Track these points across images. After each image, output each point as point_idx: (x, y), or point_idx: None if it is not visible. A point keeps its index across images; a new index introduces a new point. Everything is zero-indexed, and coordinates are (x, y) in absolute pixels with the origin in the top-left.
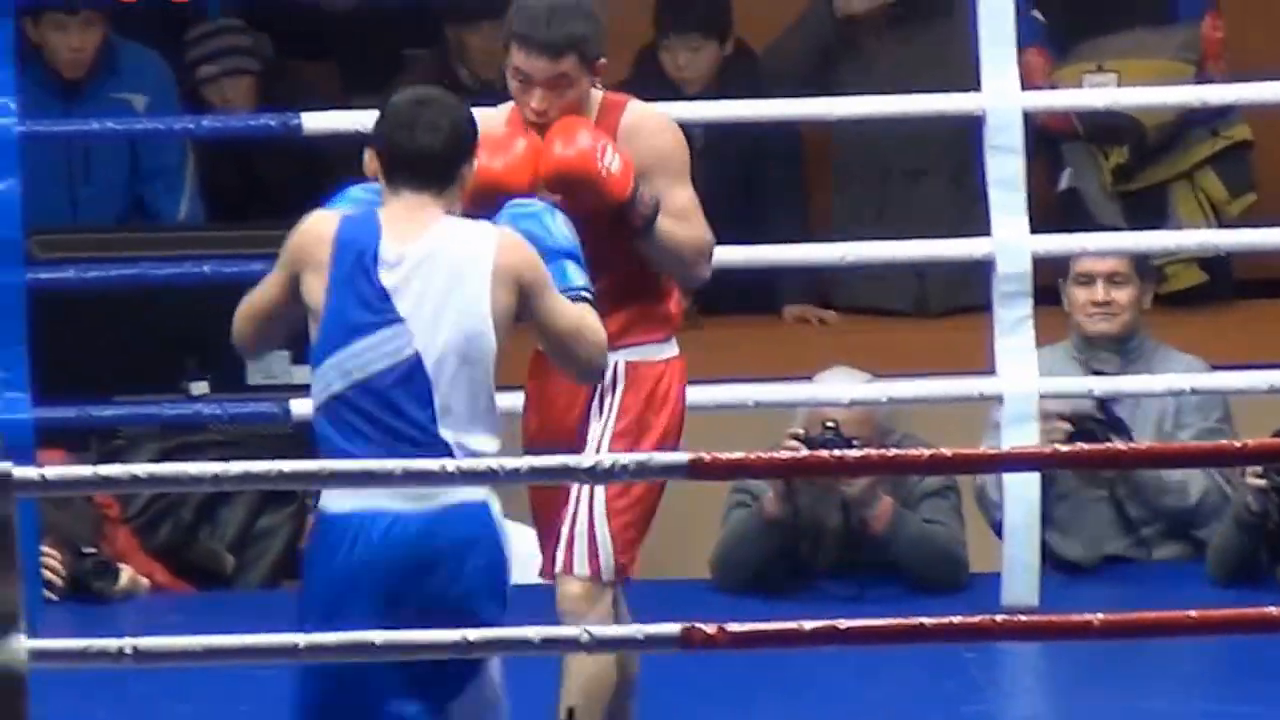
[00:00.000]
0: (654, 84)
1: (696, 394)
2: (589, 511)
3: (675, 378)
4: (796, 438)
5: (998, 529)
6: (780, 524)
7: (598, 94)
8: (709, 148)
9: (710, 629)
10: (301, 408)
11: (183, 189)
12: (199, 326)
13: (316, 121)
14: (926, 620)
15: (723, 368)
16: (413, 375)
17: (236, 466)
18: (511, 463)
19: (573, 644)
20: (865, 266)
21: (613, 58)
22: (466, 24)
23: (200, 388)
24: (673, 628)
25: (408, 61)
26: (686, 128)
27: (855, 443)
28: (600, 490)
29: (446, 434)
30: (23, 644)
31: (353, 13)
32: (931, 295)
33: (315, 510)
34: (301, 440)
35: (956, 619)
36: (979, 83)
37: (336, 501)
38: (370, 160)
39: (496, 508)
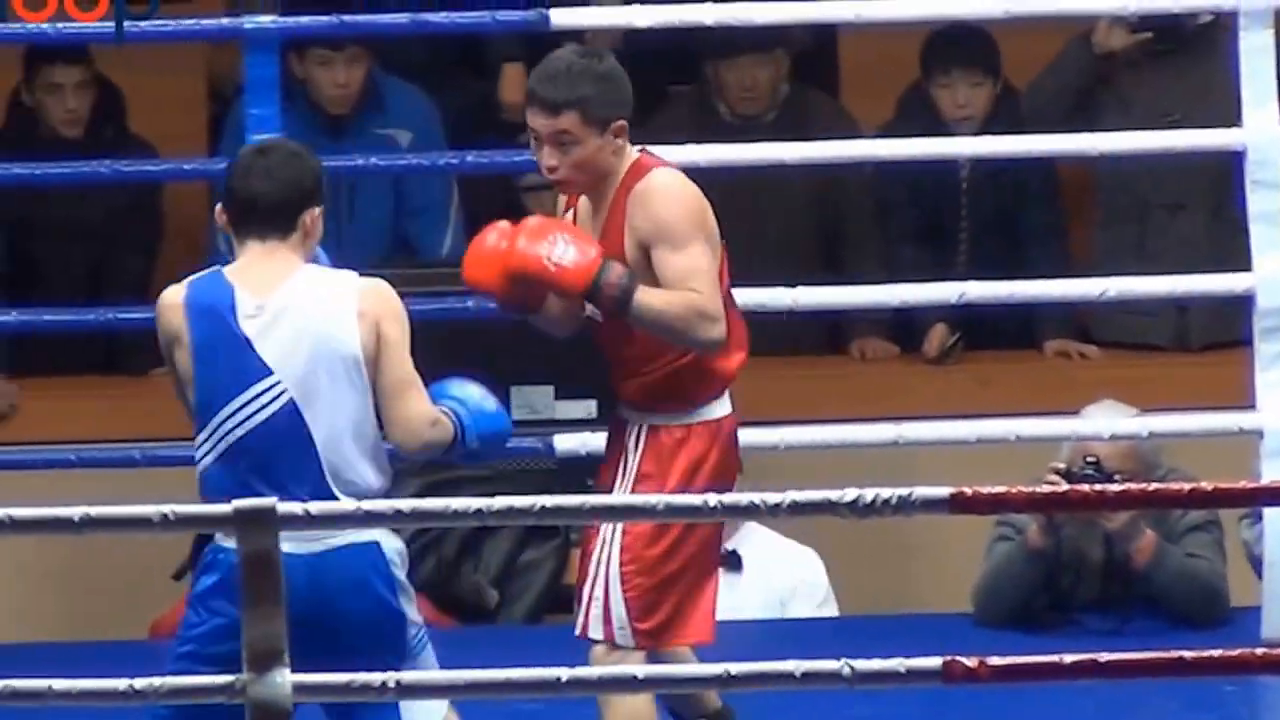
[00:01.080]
0: (919, 123)
1: (958, 428)
2: (605, 576)
3: (705, 439)
4: (1057, 472)
5: (1256, 565)
6: (1043, 556)
7: (633, 154)
8: (972, 185)
9: (971, 662)
10: (565, 443)
11: (447, 225)
12: (463, 362)
13: None
14: (1186, 654)
15: (984, 403)
16: (292, 424)
17: (500, 501)
18: (773, 498)
19: (834, 677)
20: (1125, 301)
21: (876, 99)
22: (724, 59)
23: None
24: (934, 661)
25: (669, 98)
26: (953, 165)
27: (1117, 477)
28: (615, 555)
29: (330, 478)
30: (287, 678)
31: (616, 51)
32: (1192, 330)
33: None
34: (565, 475)
35: (1216, 652)
36: (1239, 117)
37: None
38: (219, 215)
39: (390, 547)
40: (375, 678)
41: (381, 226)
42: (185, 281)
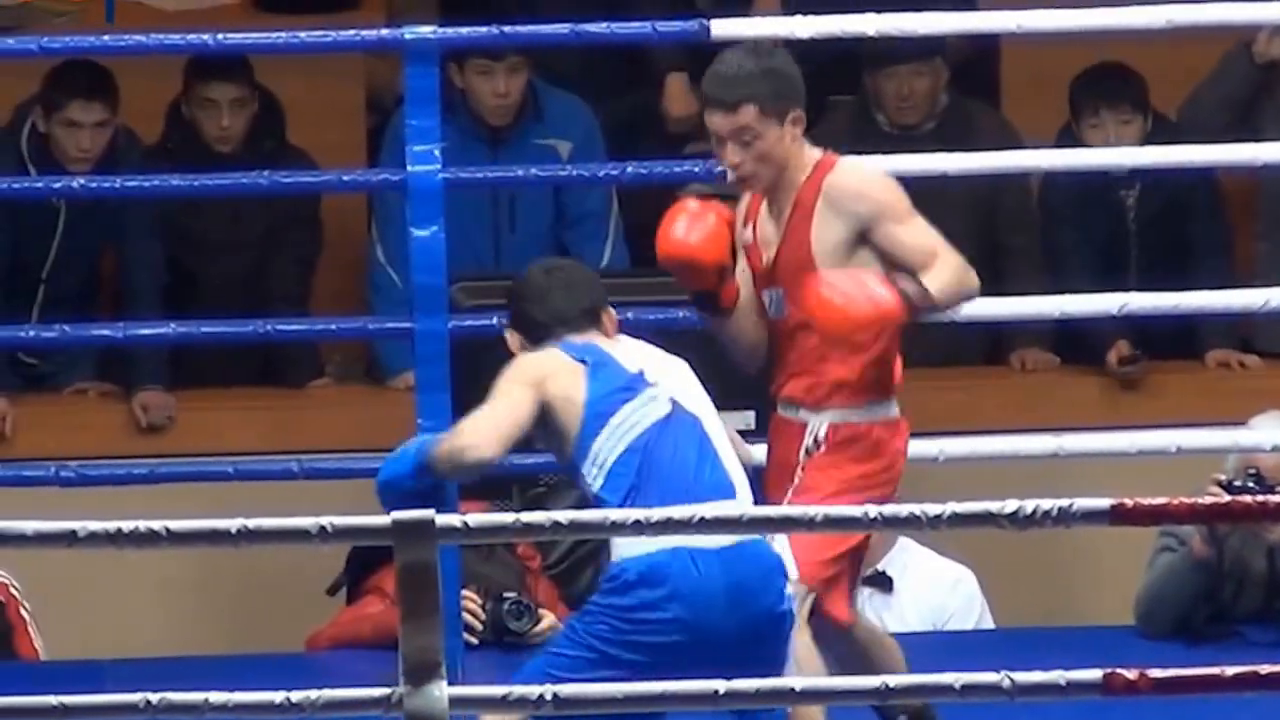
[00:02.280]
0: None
1: (1119, 439)
2: None
3: (882, 438)
4: (1219, 483)
5: None
6: (1206, 567)
7: (814, 153)
8: (1140, 198)
9: (1132, 674)
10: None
11: (607, 236)
12: None
13: None
14: None
15: (1146, 413)
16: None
17: (659, 512)
18: (933, 510)
19: (994, 690)
20: None
21: (1037, 110)
22: (883, 69)
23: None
24: (1094, 674)
25: (829, 108)
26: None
27: (1279, 489)
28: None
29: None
30: (444, 690)
31: None
32: None
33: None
34: None
35: None
36: None
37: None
38: (511, 339)
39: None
40: (533, 690)
41: (541, 237)
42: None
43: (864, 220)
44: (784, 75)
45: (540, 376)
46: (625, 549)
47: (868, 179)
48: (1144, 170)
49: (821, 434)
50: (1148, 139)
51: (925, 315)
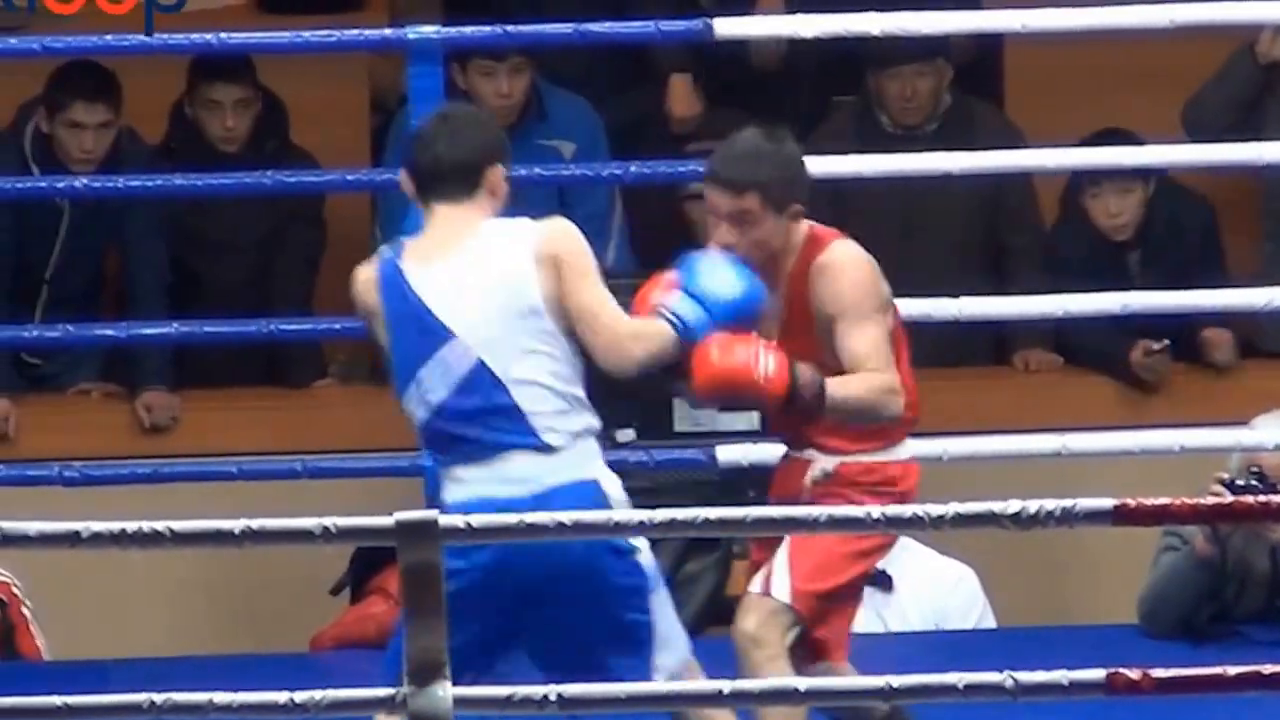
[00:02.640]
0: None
1: (1122, 439)
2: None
3: (894, 476)
4: (1221, 482)
5: None
6: (1209, 566)
7: (802, 229)
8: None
9: (1134, 674)
10: (728, 454)
11: (610, 236)
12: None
13: None
14: None
15: (1148, 413)
16: (483, 380)
17: (662, 513)
18: (936, 510)
19: (997, 689)
20: None
21: (1040, 110)
22: (886, 69)
23: (627, 435)
24: (1097, 673)
25: (832, 107)
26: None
27: None
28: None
29: (538, 423)
30: (448, 691)
31: (780, 62)
32: None
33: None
34: (728, 487)
35: None
36: None
37: (453, 493)
38: (404, 183)
39: (608, 486)
40: (537, 690)
41: None
42: (377, 256)
43: (829, 311)
44: (793, 168)
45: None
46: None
47: (846, 274)
48: (1147, 234)
49: (830, 467)
50: (1152, 201)
51: (815, 410)
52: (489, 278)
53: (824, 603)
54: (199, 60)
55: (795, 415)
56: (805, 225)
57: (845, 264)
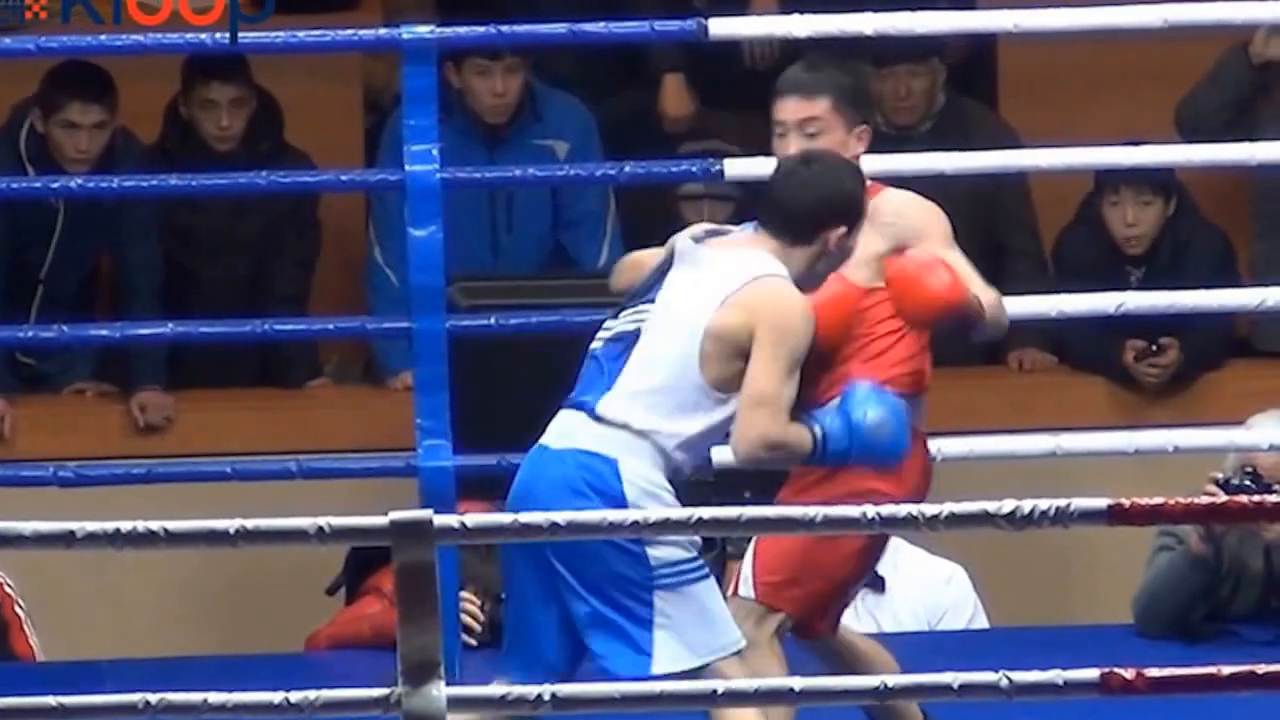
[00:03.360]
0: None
1: (1116, 439)
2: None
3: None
4: (1215, 482)
5: None
6: (1203, 565)
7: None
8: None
9: (1129, 674)
10: (723, 455)
11: (604, 236)
12: None
13: (737, 168)
14: None
15: (1143, 413)
16: (629, 345)
17: (657, 512)
18: (930, 510)
19: (992, 689)
20: None
21: (1034, 109)
22: (880, 69)
23: None
24: (1091, 673)
25: None
26: None
27: (1276, 487)
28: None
29: (607, 406)
30: (442, 690)
31: (776, 63)
32: None
33: None
34: (723, 487)
35: None
36: None
37: None
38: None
39: (629, 470)
40: (531, 690)
41: (540, 237)
42: None
43: (912, 241)
44: (863, 89)
45: None
46: None
47: (912, 202)
48: (1157, 251)
49: None
50: (1171, 220)
51: (972, 327)
52: (697, 280)
53: (788, 588)
54: (193, 60)
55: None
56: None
57: (912, 198)
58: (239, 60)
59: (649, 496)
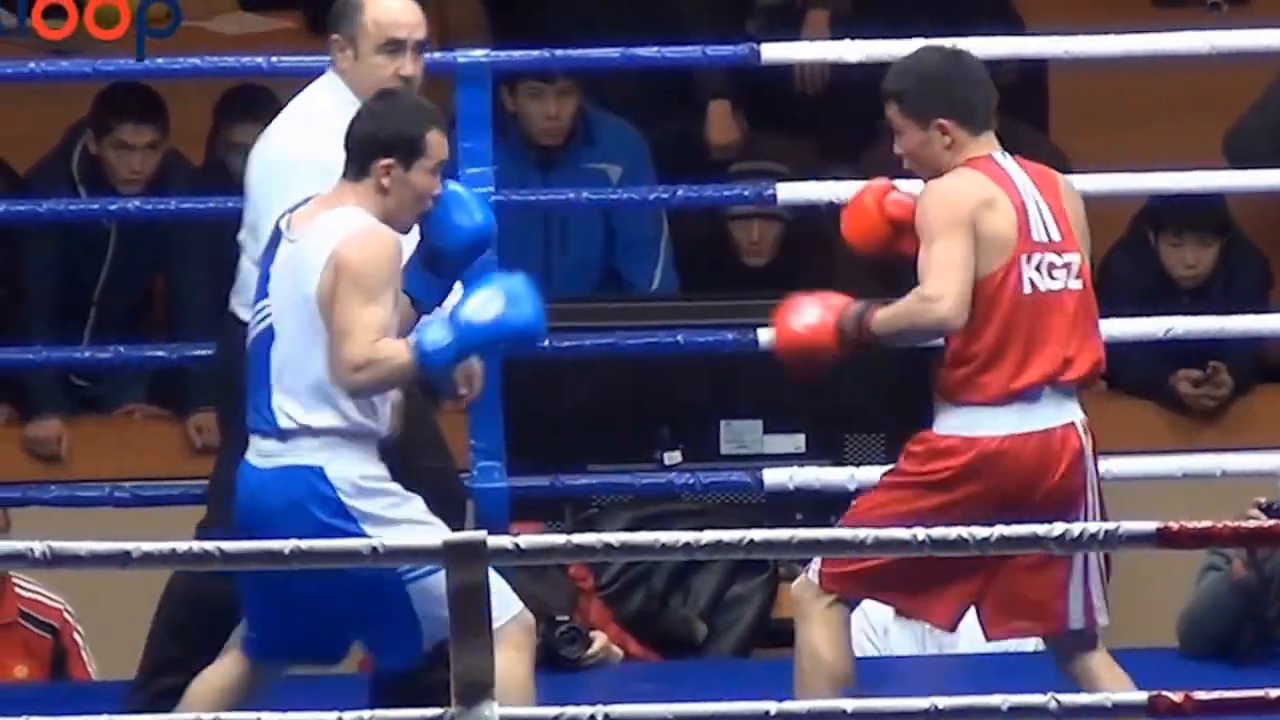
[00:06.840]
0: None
1: (1164, 463)
2: None
3: (951, 447)
4: (1259, 506)
5: None
6: (1245, 589)
7: (961, 154)
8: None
9: (1177, 696)
10: (774, 477)
11: (657, 259)
12: (672, 397)
13: (791, 192)
14: None
15: (1194, 437)
16: (265, 346)
17: (709, 535)
18: (981, 533)
19: (1040, 711)
20: None
21: (1085, 135)
22: None
23: (673, 457)
24: (1139, 695)
25: (879, 132)
26: None
27: None
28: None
29: (277, 401)
30: (495, 711)
31: (828, 89)
32: None
33: None
34: (774, 509)
35: None
36: None
37: None
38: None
39: (335, 473)
40: (584, 710)
41: (593, 260)
42: None
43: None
44: (936, 81)
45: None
46: None
47: (927, 193)
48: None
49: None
50: (1225, 259)
51: (875, 339)
52: (300, 258)
53: (850, 580)
54: (230, 92)
55: (850, 351)
56: (965, 153)
57: (932, 190)
58: (265, 92)
59: (364, 494)
